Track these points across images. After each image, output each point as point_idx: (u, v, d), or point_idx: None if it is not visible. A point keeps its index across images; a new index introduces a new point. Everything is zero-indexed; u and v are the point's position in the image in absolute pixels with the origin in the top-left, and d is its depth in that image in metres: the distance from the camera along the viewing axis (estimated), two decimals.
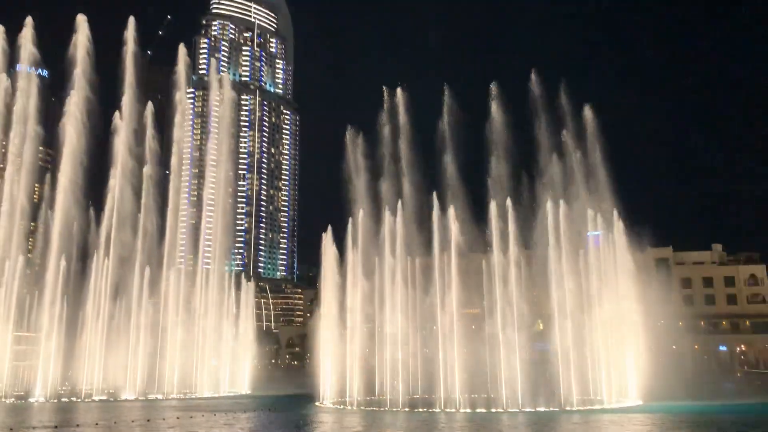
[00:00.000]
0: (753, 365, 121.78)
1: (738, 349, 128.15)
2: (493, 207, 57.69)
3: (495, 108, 61.03)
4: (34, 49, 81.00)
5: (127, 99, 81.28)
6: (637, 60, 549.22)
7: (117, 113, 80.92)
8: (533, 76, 63.32)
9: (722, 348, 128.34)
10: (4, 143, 79.86)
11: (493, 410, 52.42)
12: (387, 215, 62.00)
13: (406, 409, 54.55)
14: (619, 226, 63.05)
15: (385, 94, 65.28)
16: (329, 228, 66.67)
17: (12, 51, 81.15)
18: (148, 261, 77.80)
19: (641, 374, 59.28)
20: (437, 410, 53.32)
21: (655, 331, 68.29)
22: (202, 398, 73.04)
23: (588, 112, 64.90)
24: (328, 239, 66.76)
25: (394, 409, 55.23)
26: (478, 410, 52.33)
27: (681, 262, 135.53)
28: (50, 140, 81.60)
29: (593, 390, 58.33)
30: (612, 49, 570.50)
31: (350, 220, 64.47)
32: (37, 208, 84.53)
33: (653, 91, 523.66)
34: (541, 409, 52.41)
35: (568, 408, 53.40)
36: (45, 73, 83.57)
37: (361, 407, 57.67)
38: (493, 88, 61.81)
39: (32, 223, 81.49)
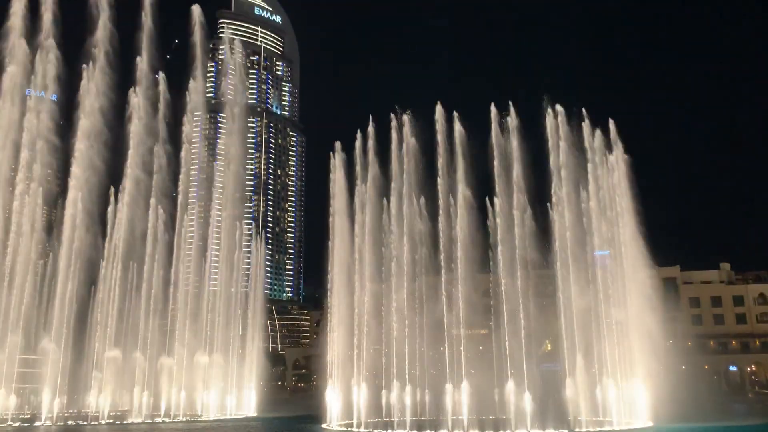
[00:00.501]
0: (764, 385, 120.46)
1: (748, 369, 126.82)
2: (500, 228, 57.60)
3: (504, 131, 60.58)
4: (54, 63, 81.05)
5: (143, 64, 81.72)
6: (644, 73, 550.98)
7: (131, 89, 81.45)
8: (546, 101, 62.88)
9: (732, 368, 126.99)
10: (13, 167, 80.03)
11: None
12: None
13: (414, 431, 54.12)
14: (628, 245, 62.80)
15: (393, 120, 65.27)
16: (337, 145, 68.27)
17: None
18: (155, 282, 77.72)
19: (651, 395, 58.67)
20: None
21: (665, 351, 67.67)
22: (209, 421, 72.63)
23: (599, 136, 64.56)
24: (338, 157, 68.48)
25: (401, 431, 54.82)
26: None
27: (689, 281, 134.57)
28: (61, 164, 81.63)
29: (603, 411, 57.76)
30: (619, 61, 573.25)
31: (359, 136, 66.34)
32: (50, 233, 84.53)
33: (660, 107, 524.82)
34: (550, 430, 51.88)
35: (577, 429, 52.86)
36: (54, 97, 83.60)
37: (368, 429, 57.32)
38: (505, 112, 61.34)
39: (39, 246, 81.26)
